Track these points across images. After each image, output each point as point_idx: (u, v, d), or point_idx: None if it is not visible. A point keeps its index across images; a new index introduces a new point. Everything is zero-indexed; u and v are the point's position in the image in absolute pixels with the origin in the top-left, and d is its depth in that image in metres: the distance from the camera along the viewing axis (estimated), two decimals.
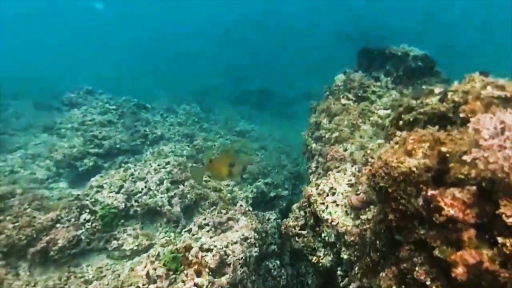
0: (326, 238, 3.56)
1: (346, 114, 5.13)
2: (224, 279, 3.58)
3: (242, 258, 3.97)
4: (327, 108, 5.46)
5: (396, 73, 5.80)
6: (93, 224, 4.26)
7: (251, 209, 5.39)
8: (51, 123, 7.87)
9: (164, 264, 3.36)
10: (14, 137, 8.67)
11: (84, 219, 4.26)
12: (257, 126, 12.05)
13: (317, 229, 3.78)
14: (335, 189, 3.78)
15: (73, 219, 4.24)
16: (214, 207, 5.01)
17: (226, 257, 3.80)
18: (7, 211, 4.02)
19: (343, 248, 3.40)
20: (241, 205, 5.18)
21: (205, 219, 4.54)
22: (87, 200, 4.74)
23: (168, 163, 5.68)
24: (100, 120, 7.85)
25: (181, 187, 5.24)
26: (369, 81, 5.56)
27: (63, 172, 6.80)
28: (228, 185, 6.33)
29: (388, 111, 5.00)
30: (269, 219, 5.84)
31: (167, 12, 36.22)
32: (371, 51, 6.49)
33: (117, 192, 4.93)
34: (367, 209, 3.22)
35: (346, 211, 3.54)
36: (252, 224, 4.78)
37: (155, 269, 3.36)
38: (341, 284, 3.36)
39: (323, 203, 3.71)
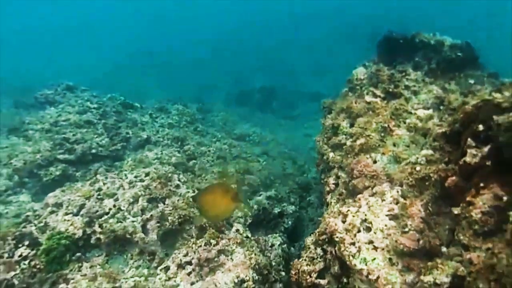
0: None
1: (374, 115, 3.97)
2: None
3: None
4: (348, 108, 4.30)
5: (428, 66, 4.63)
6: (33, 263, 3.10)
7: (249, 235, 4.23)
8: (19, 123, 6.72)
9: None
10: None
11: (20, 255, 3.10)
12: (259, 129, 10.91)
13: (344, 280, 2.62)
14: (371, 222, 2.60)
15: (6, 255, 3.09)
16: (202, 233, 3.84)
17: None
18: None
19: None
20: (237, 230, 4.02)
21: (186, 254, 3.38)
22: (34, 224, 3.60)
23: (147, 174, 4.53)
24: (76, 120, 6.71)
25: (160, 206, 4.09)
26: (401, 74, 4.40)
27: (27, 182, 5.67)
28: None
29: (430, 111, 3.83)
30: (272, 245, 4.68)
31: (170, 14, 35.24)
32: (395, 39, 5.27)
33: (76, 214, 3.79)
34: (429, 265, 2.05)
35: (390, 259, 2.38)
36: (251, 259, 3.61)
37: None
38: None
39: (353, 243, 2.54)
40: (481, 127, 2.07)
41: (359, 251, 2.48)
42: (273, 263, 4.26)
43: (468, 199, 1.98)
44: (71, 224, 3.62)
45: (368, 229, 2.58)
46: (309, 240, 3.08)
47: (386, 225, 2.53)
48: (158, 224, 3.90)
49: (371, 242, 2.49)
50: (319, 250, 2.96)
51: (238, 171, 6.42)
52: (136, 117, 8.16)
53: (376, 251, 2.44)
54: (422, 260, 2.18)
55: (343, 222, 2.67)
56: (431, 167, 2.57)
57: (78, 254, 3.49)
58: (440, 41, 4.69)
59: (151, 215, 3.94)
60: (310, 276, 2.78)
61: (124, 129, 7.05)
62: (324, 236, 2.96)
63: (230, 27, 32.29)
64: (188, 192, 4.58)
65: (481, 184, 1.95)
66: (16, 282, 2.96)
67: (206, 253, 3.40)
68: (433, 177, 2.47)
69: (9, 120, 7.68)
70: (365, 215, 2.65)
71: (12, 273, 2.97)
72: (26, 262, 3.09)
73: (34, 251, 3.19)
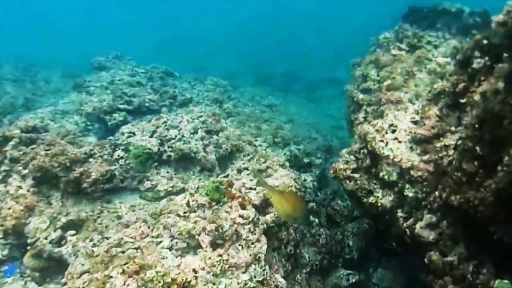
0: (386, 177, 3.17)
1: (399, 62, 4.68)
2: (268, 217, 3.25)
3: None
4: (376, 60, 5.02)
5: (449, 32, 5.27)
6: (127, 162, 4.02)
7: (288, 164, 5.05)
8: (81, 81, 7.73)
9: (206, 194, 3.05)
10: (44, 97, 8.65)
11: (118, 156, 4.02)
12: (284, 103, 11.67)
13: (373, 170, 3.39)
14: (396, 126, 3.37)
15: (106, 155, 4.02)
16: (251, 157, 4.68)
17: (269, 197, 3.46)
18: (40, 140, 3.82)
19: (407, 186, 3.01)
20: (278, 157, 4.83)
21: (243, 163, 4.22)
22: (118, 142, 4.51)
23: (201, 115, 5.39)
24: (129, 80, 7.65)
25: (215, 137, 4.95)
26: (423, 32, 5.07)
27: (92, 129, 6.64)
28: (261, 145, 6.00)
29: (448, 59, 4.52)
30: (305, 180, 5.47)
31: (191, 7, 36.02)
32: (420, 9, 5.93)
33: (150, 136, 4.68)
34: (441, 138, 2.81)
35: (411, 147, 3.14)
36: (291, 174, 4.43)
37: (195, 200, 3.06)
38: (404, 225, 2.96)
39: (382, 140, 3.32)
40: (485, 41, 2.79)
41: (386, 144, 3.25)
42: (307, 190, 5.08)
43: (471, 90, 2.71)
44: (149, 142, 4.51)
45: (394, 131, 3.34)
46: (344, 151, 3.86)
47: (408, 127, 3.29)
48: (215, 149, 4.76)
49: (396, 138, 3.26)
50: (352, 157, 3.74)
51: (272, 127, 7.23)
52: (177, 83, 9.06)
53: (400, 143, 3.20)
54: (439, 140, 2.91)
55: (373, 126, 3.43)
56: (446, 84, 3.30)
57: (156, 163, 4.39)
58: (460, 9, 5.31)
59: (209, 141, 4.80)
60: (346, 172, 3.57)
61: (169, 88, 7.95)
62: (355, 147, 3.74)
63: (247, 16, 32.85)
64: (236, 131, 5.43)
65: (482, 78, 2.68)
66: (116, 173, 3.87)
67: (258, 165, 4.24)
68: (447, 90, 3.21)
69: (68, 84, 8.78)
70: (392, 121, 3.41)
71: (113, 167, 3.88)
72: (122, 160, 4.00)
73: (126, 154, 4.10)
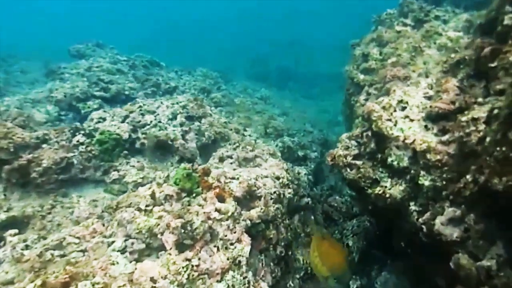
0: (395, 163, 2.60)
1: (405, 38, 4.13)
2: (254, 212, 2.67)
3: (275, 192, 3.05)
4: (378, 37, 4.46)
5: (457, 8, 4.73)
6: (89, 148, 3.40)
7: (280, 154, 4.47)
8: (55, 67, 7.08)
9: (175, 183, 2.46)
10: (17, 88, 7.98)
11: (78, 141, 3.41)
12: (278, 97, 11.12)
13: (379, 156, 2.82)
14: (407, 102, 2.80)
15: (64, 141, 3.40)
16: (237, 145, 4.09)
17: (255, 188, 2.88)
18: None
19: (422, 173, 2.44)
20: (269, 147, 4.25)
21: (227, 151, 3.63)
22: (84, 127, 3.90)
23: (181, 101, 4.80)
24: (108, 67, 7.03)
25: (197, 123, 4.36)
26: (431, 6, 4.53)
27: (64, 119, 6.01)
28: (251, 135, 5.42)
29: (460, 33, 3.97)
30: (299, 173, 4.90)
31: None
32: None
33: (122, 122, 4.08)
34: (465, 112, 2.24)
35: (426, 126, 2.58)
36: (283, 165, 3.85)
37: (163, 191, 2.46)
38: (420, 220, 2.40)
39: (390, 120, 2.75)
40: None
41: (396, 124, 2.68)
42: (301, 184, 4.51)
43: (504, 50, 2.16)
44: (118, 128, 3.91)
45: (404, 108, 2.78)
46: (343, 135, 3.29)
47: (421, 102, 2.73)
48: (196, 137, 4.17)
49: (407, 116, 2.70)
50: (353, 142, 3.17)
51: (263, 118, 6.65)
52: (163, 73, 8.45)
53: (412, 122, 2.64)
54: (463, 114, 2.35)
55: (379, 104, 2.87)
56: (466, 52, 2.75)
57: (126, 152, 3.78)
58: None
59: (190, 128, 4.20)
60: (346, 158, 3.00)
61: (154, 77, 7.34)
62: (357, 131, 3.17)
63: (243, 11, 32.20)
64: (221, 118, 4.84)
65: None
66: (75, 161, 3.26)
67: (244, 153, 3.65)
68: (468, 58, 2.65)
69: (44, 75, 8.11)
70: (401, 97, 2.85)
71: (71, 154, 3.27)
72: (83, 146, 3.38)
73: (88, 140, 3.49)
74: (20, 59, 10.27)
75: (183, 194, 2.46)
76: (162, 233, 2.20)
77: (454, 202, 2.22)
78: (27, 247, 2.30)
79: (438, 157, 2.34)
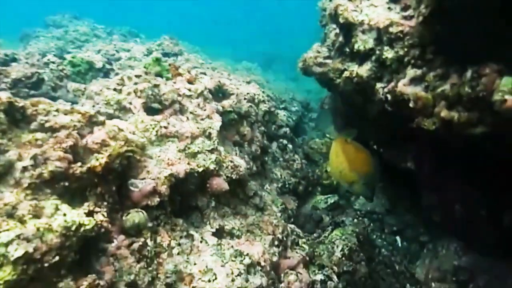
0: (362, 47, 2.67)
1: None
2: (226, 102, 2.69)
3: (248, 93, 3.08)
4: None
5: None
6: (60, 67, 3.36)
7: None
8: (30, 31, 6.93)
9: (144, 67, 2.46)
10: None
11: (48, 60, 3.36)
12: (261, 71, 11.18)
13: (347, 48, 2.89)
14: None
15: (35, 60, 3.35)
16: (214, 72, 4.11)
17: (227, 87, 2.91)
18: None
19: (386, 48, 2.52)
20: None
21: (202, 77, 3.64)
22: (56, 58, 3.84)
23: (156, 41, 4.78)
24: (85, 31, 6.93)
25: (173, 59, 4.36)
26: None
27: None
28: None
29: None
30: (278, 113, 4.95)
31: None
32: None
33: (96, 54, 4.04)
34: None
35: (389, 7, 2.66)
36: (261, 90, 3.88)
37: (131, 74, 2.45)
38: (385, 90, 2.47)
39: (355, 10, 2.82)
40: None
41: (361, 12, 2.76)
42: (280, 117, 4.57)
43: None
44: (92, 58, 3.87)
45: None
46: (315, 45, 3.35)
47: None
48: None
49: (372, 4, 2.77)
50: (324, 49, 3.24)
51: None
52: (139, 41, 8.39)
53: (376, 7, 2.72)
54: None
55: None
56: None
57: (99, 78, 3.75)
58: None
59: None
60: (316, 59, 3.07)
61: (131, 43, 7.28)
62: (328, 41, 3.23)
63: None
64: (198, 59, 4.85)
65: None
66: (46, 78, 3.21)
67: (218, 75, 3.67)
68: None
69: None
70: None
71: (42, 71, 3.22)
72: (55, 65, 3.34)
73: (60, 60, 3.45)
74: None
75: (152, 76, 2.47)
76: (130, 103, 2.20)
77: (415, 65, 2.31)
78: None
79: (400, 28, 2.42)
